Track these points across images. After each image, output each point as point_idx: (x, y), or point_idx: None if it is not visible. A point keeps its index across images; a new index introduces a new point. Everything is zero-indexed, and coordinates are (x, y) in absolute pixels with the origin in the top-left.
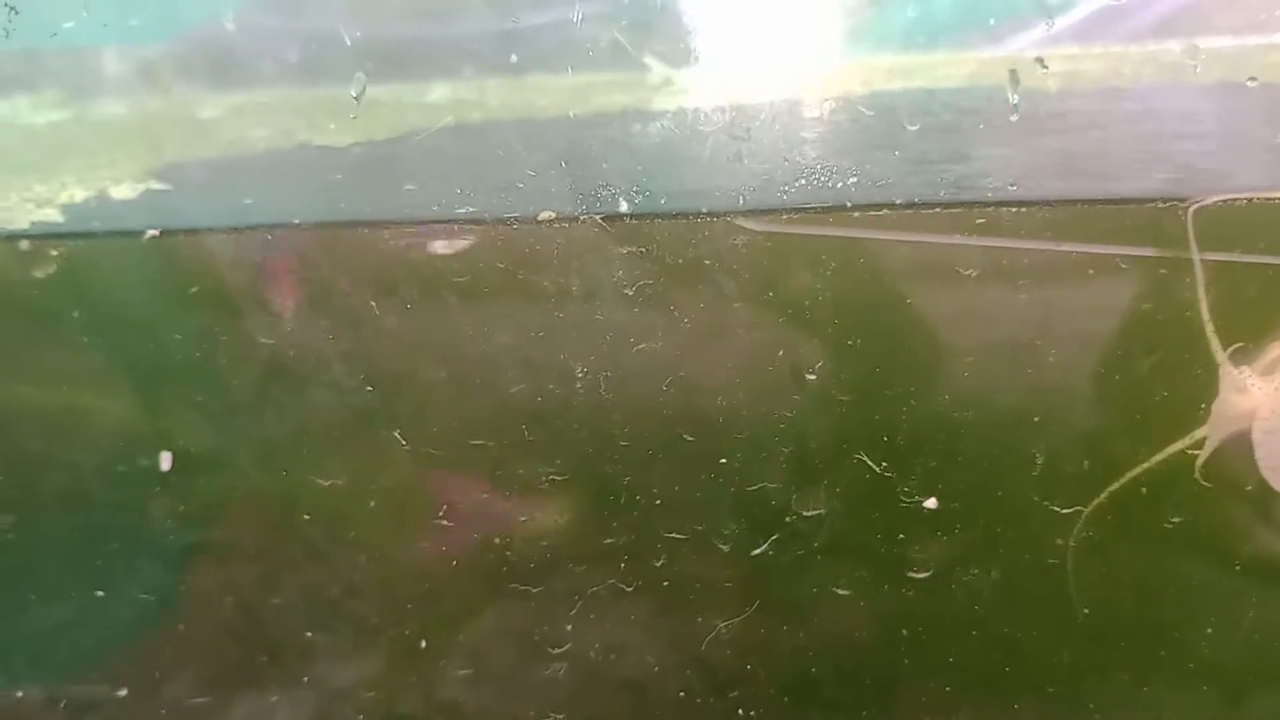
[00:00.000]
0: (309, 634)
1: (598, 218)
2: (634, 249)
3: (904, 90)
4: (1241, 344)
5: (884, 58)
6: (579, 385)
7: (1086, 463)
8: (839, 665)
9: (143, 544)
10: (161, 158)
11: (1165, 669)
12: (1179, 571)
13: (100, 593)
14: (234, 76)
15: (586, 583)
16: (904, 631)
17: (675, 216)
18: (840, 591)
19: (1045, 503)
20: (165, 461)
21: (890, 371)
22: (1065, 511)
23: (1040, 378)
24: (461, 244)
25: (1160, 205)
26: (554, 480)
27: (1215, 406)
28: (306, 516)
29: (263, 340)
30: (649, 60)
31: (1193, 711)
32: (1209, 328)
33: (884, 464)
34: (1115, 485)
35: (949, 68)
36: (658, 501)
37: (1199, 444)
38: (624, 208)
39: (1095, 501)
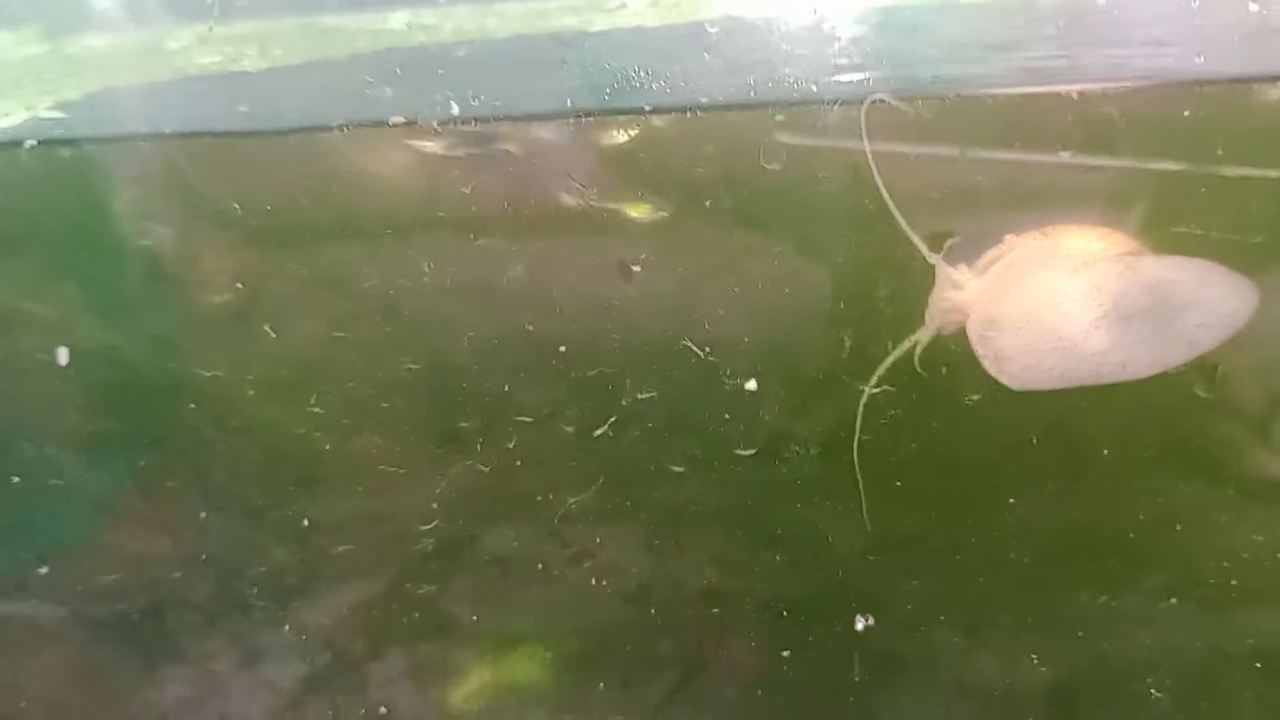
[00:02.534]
0: (203, 514)
1: (434, 123)
2: (471, 150)
3: None
4: (959, 239)
5: None
6: (426, 280)
7: (890, 344)
8: (679, 537)
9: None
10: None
11: (970, 536)
12: (975, 448)
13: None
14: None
15: (448, 463)
16: (736, 503)
17: (511, 119)
18: (676, 468)
19: (855, 383)
20: (63, 357)
21: (707, 262)
22: (874, 391)
23: (850, 266)
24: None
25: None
26: (411, 369)
27: (930, 299)
28: (193, 405)
29: (142, 243)
30: None
31: (998, 573)
32: (903, 223)
33: (707, 349)
34: (872, 383)
35: None
36: (505, 387)
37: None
38: (455, 110)
39: (868, 390)
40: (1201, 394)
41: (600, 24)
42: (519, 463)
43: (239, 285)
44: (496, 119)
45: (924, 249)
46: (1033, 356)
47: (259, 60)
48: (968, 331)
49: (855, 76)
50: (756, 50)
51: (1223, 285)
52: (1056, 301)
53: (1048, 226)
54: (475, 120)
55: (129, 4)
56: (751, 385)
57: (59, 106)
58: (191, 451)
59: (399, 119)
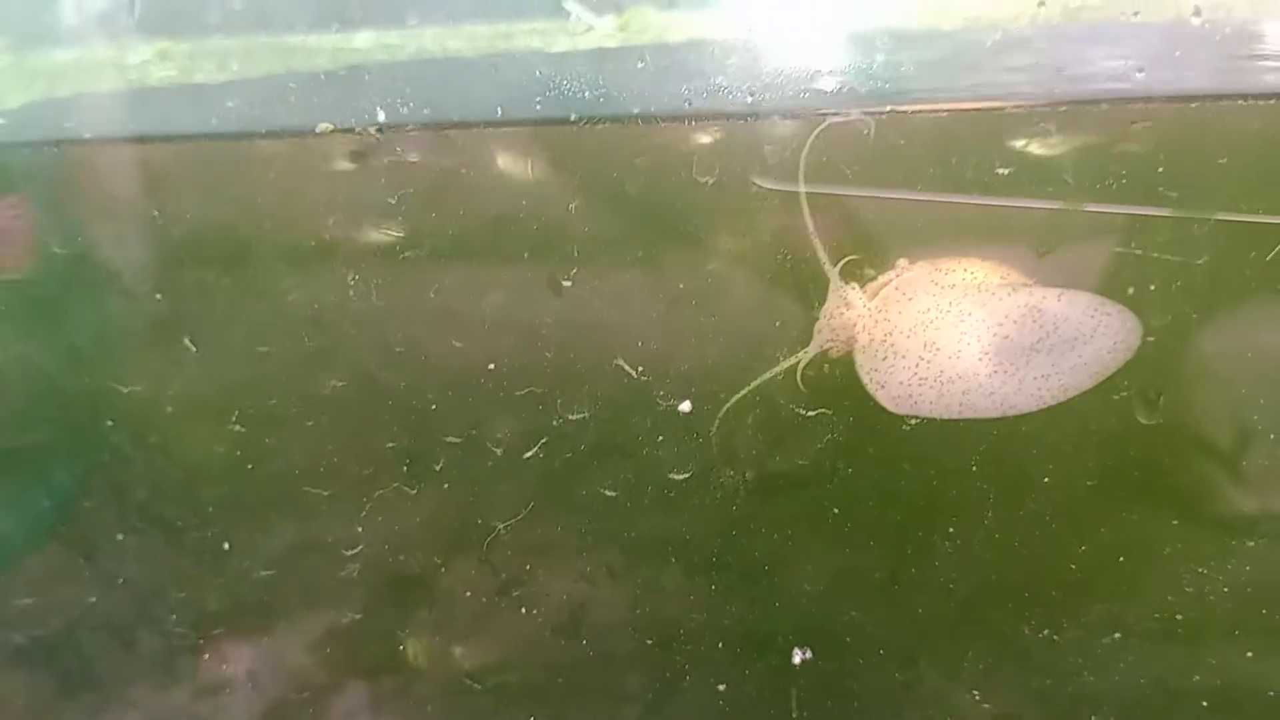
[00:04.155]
0: (120, 535)
1: (363, 130)
2: (395, 159)
3: None
4: (856, 256)
5: None
6: (352, 293)
7: (825, 367)
8: (611, 565)
9: None
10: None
11: (909, 566)
12: (913, 474)
13: None
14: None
15: (373, 486)
16: (670, 531)
17: (439, 128)
18: (608, 492)
19: (792, 406)
20: None
21: (640, 278)
22: (812, 413)
23: (783, 283)
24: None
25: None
26: (336, 386)
27: (822, 314)
28: (110, 422)
29: (56, 250)
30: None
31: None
32: (816, 242)
33: (640, 369)
34: (737, 396)
35: None
36: (433, 406)
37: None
38: (381, 117)
39: (726, 406)
40: (1144, 421)
41: (563, 46)
42: (446, 486)
43: (158, 296)
44: (424, 127)
45: (827, 264)
46: (916, 384)
47: (215, 74)
48: (854, 354)
49: (803, 91)
50: (692, 62)
51: (1110, 319)
52: (944, 330)
53: (943, 254)
54: (402, 128)
55: (97, 19)
56: (685, 407)
57: None
58: (109, 470)
59: (326, 126)
